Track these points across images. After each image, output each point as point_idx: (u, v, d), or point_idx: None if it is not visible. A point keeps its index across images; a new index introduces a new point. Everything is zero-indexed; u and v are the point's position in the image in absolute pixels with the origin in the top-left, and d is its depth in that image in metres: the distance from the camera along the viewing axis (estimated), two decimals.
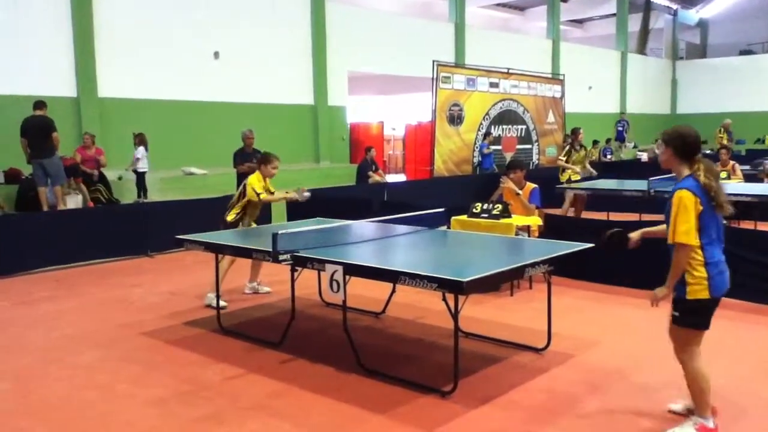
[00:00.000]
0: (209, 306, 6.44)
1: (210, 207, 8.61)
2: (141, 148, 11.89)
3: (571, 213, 10.65)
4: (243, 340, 5.47)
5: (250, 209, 6.71)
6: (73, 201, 11.05)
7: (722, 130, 17.37)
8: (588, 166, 12.10)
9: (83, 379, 4.71)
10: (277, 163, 6.69)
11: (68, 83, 12.75)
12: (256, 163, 7.22)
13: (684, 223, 3.43)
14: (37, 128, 10.17)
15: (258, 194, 6.50)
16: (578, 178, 11.33)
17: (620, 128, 21.87)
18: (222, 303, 6.15)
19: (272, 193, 6.75)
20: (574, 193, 10.69)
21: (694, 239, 3.45)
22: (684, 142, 3.59)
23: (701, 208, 3.46)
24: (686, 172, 3.58)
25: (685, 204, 3.44)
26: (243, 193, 6.62)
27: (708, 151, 19.34)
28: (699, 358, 3.64)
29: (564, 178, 11.25)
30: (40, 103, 10.34)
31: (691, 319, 3.59)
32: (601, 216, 10.32)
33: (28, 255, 8.23)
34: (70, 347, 5.40)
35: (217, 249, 5.59)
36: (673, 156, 3.61)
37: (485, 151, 16.37)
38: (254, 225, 6.81)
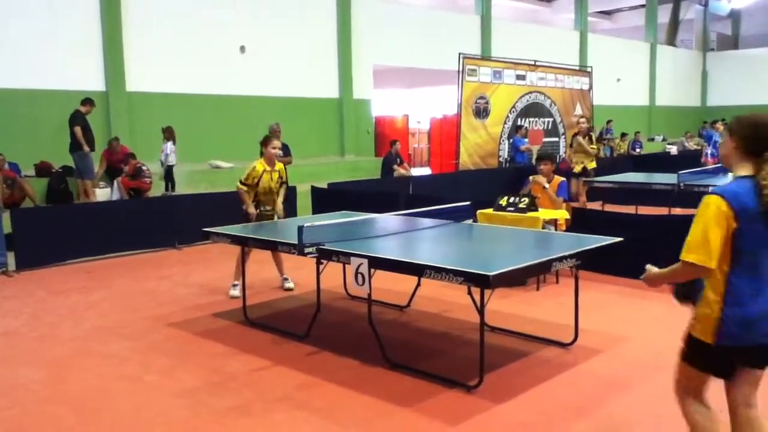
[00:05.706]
0: (234, 297, 6.54)
1: (237, 200, 8.68)
2: (170, 143, 12.03)
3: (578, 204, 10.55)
4: (269, 332, 5.52)
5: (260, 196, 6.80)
6: (103, 194, 11.26)
7: None
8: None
9: (113, 369, 4.79)
10: (275, 142, 6.76)
11: (97, 78, 12.92)
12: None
13: (697, 236, 2.53)
14: (70, 123, 10.64)
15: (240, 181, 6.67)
16: (594, 166, 11.21)
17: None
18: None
19: (254, 185, 6.68)
20: (582, 181, 10.80)
21: (709, 260, 2.52)
22: (755, 132, 2.60)
23: (735, 225, 2.51)
24: (744, 173, 2.62)
25: (709, 216, 2.52)
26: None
27: None
28: (696, 408, 2.76)
29: (578, 168, 11.10)
30: (85, 100, 11.00)
31: (693, 358, 2.72)
32: (629, 210, 10.18)
33: (61, 246, 8.39)
34: (101, 337, 5.50)
35: (243, 242, 5.64)
36: (736, 150, 2.64)
37: (522, 148, 15.88)
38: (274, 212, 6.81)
